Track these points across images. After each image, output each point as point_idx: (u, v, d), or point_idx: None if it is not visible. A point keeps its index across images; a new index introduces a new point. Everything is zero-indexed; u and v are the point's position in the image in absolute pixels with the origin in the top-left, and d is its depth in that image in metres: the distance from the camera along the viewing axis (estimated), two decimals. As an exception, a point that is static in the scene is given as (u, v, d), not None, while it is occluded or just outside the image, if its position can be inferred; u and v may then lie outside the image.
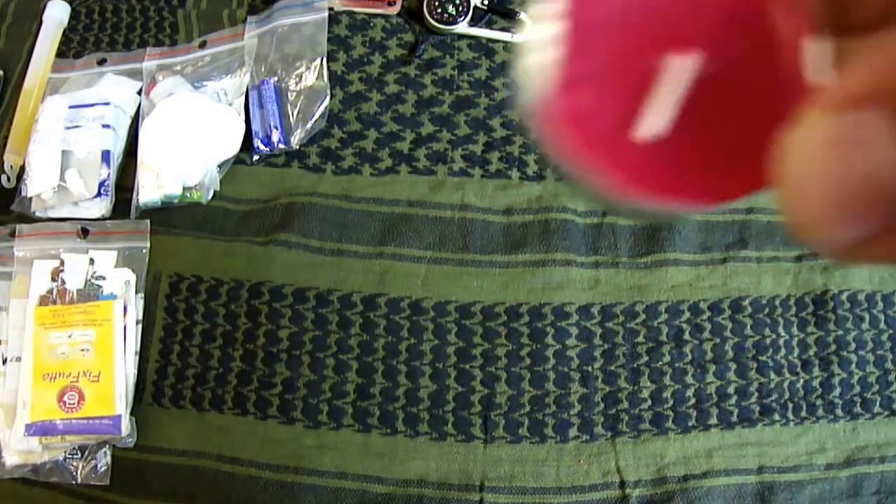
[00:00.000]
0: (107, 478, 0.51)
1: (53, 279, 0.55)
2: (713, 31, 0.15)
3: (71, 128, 0.59)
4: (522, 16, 0.65)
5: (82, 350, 0.53)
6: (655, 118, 0.15)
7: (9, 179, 0.60)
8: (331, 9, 0.65)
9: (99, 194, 0.58)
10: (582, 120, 0.14)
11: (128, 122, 0.62)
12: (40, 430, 0.51)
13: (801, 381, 0.55)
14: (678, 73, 0.15)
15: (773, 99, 0.15)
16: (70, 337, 0.53)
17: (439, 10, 0.64)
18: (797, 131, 0.13)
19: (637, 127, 0.15)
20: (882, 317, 0.57)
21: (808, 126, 0.13)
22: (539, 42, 0.14)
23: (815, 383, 0.55)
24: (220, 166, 0.60)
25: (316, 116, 0.61)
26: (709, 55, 0.15)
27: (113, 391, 0.52)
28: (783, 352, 0.56)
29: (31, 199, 0.58)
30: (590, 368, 0.55)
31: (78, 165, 0.58)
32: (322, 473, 0.52)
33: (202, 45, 0.65)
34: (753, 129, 0.15)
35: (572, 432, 0.53)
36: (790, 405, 0.54)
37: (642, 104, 0.15)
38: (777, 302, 0.57)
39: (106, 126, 0.59)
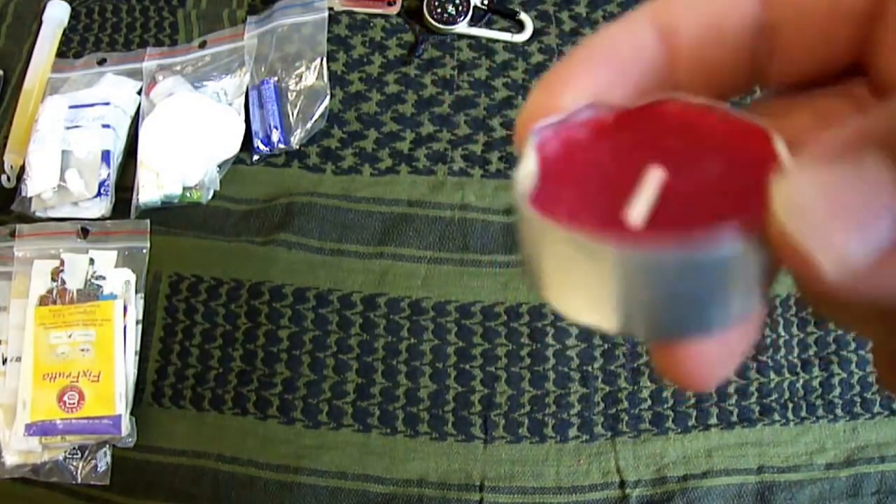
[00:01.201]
0: (107, 478, 0.51)
1: (53, 279, 0.55)
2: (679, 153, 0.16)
3: (71, 128, 0.59)
4: (522, 16, 0.65)
5: (82, 350, 0.53)
6: (637, 209, 0.15)
7: (9, 179, 0.60)
8: (331, 9, 0.65)
9: (99, 194, 0.58)
10: (565, 210, 0.16)
11: (128, 122, 0.62)
12: (40, 430, 0.51)
13: (801, 380, 0.55)
14: (652, 180, 0.16)
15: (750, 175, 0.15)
16: (70, 337, 0.53)
17: (439, 10, 0.64)
18: (786, 178, 0.13)
19: (621, 214, 0.15)
20: (882, 317, 0.57)
21: (801, 170, 0.13)
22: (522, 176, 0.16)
23: (815, 383, 0.55)
24: (220, 166, 0.60)
25: (316, 116, 0.61)
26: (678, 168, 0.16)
27: (113, 391, 0.52)
28: (783, 351, 0.56)
29: (31, 199, 0.58)
30: (590, 368, 0.55)
31: (78, 165, 0.58)
32: (322, 473, 0.52)
33: (202, 45, 0.65)
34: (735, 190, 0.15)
35: (572, 432, 0.53)
36: (790, 405, 0.54)
37: (620, 204, 0.15)
38: (777, 302, 0.57)
39: (106, 126, 0.59)
